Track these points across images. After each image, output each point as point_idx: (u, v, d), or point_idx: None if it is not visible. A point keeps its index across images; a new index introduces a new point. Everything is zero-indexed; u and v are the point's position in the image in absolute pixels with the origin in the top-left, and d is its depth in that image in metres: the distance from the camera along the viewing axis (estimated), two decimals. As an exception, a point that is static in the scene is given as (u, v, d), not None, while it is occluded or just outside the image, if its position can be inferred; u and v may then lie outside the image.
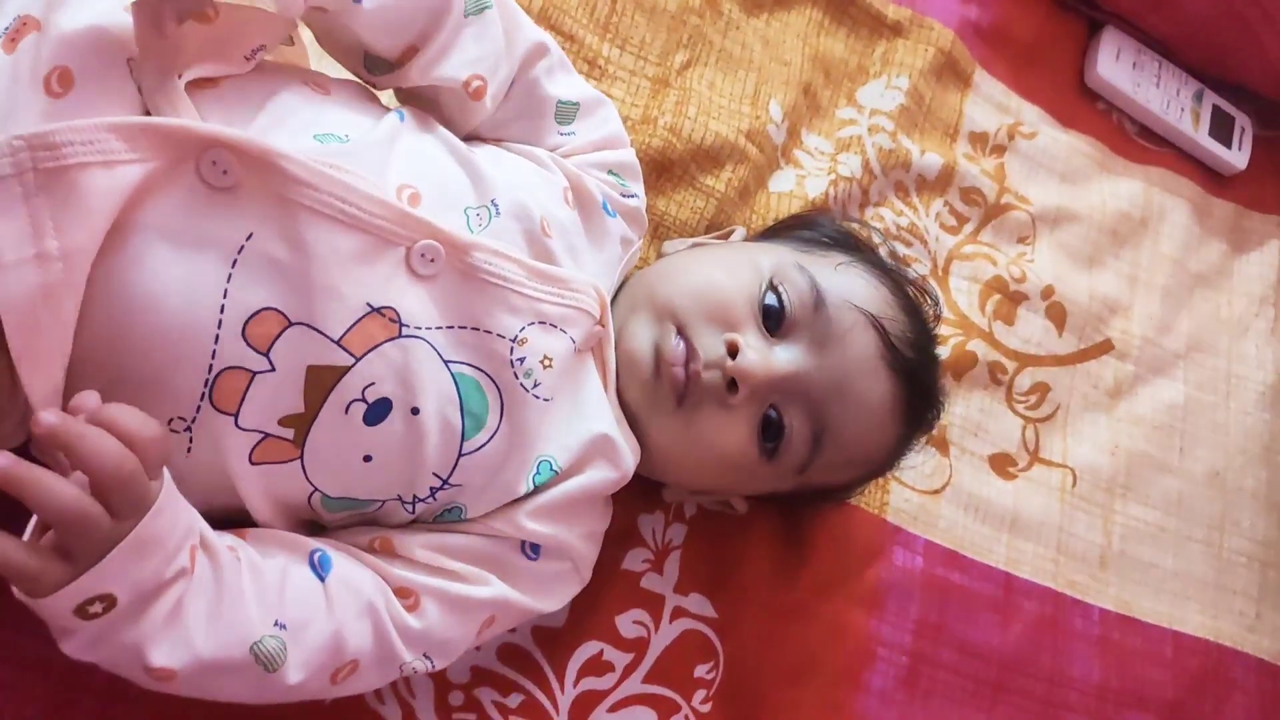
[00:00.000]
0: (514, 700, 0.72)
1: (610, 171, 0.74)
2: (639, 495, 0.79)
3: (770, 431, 0.68)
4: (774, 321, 0.69)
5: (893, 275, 0.78)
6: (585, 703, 0.74)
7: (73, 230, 0.49)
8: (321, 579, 0.58)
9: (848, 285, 0.72)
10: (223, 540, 0.55)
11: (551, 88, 0.72)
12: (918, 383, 0.73)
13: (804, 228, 0.84)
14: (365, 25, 0.61)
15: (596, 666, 0.75)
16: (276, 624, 0.55)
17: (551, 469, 0.64)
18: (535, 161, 0.70)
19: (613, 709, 0.74)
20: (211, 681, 0.53)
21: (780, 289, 0.69)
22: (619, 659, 0.75)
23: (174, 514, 0.50)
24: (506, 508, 0.64)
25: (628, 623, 0.77)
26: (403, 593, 0.61)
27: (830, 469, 0.73)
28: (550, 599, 0.68)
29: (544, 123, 0.72)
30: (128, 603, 0.48)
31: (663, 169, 0.85)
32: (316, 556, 0.59)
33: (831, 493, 0.81)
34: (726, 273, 0.71)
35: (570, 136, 0.73)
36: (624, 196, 0.74)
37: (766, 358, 0.67)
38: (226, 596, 0.53)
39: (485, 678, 0.72)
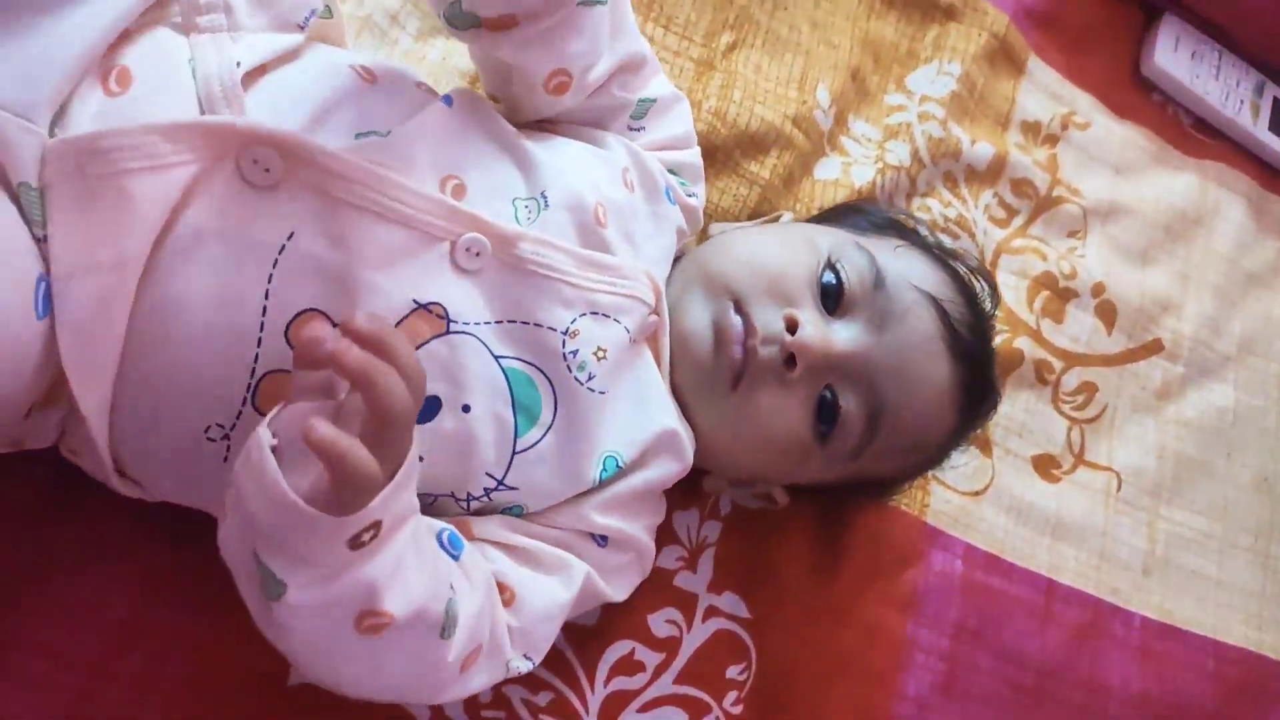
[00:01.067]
0: (543, 699, 0.70)
1: (671, 171, 0.72)
2: (673, 491, 0.77)
3: (825, 413, 0.66)
4: (832, 300, 0.67)
5: (949, 261, 0.76)
6: (615, 702, 0.72)
7: (125, 237, 0.48)
8: (455, 558, 0.56)
9: (907, 267, 0.70)
10: None
11: (634, 93, 0.70)
12: (977, 368, 0.71)
13: (853, 214, 0.82)
14: None
15: (628, 666, 0.73)
16: (450, 585, 0.53)
17: (617, 465, 0.63)
18: (594, 143, 0.68)
19: (643, 709, 0.73)
20: (403, 641, 0.50)
21: (839, 267, 0.67)
22: (650, 658, 0.74)
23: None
24: (572, 502, 0.63)
25: (660, 622, 0.75)
26: (499, 586, 0.59)
27: (883, 456, 0.71)
28: (618, 588, 0.67)
29: (617, 119, 0.71)
30: (385, 532, 0.46)
31: (706, 154, 0.82)
32: (445, 536, 0.57)
33: (878, 486, 0.79)
34: (784, 249, 0.69)
35: (639, 133, 0.71)
36: (687, 195, 0.73)
37: (826, 334, 0.65)
38: (425, 545, 0.51)
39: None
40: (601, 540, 0.65)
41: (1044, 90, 1.05)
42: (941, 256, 0.75)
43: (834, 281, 0.67)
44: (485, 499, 0.60)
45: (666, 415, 0.66)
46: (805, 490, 0.78)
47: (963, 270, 0.76)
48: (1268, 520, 1.01)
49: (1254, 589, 0.98)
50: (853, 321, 0.67)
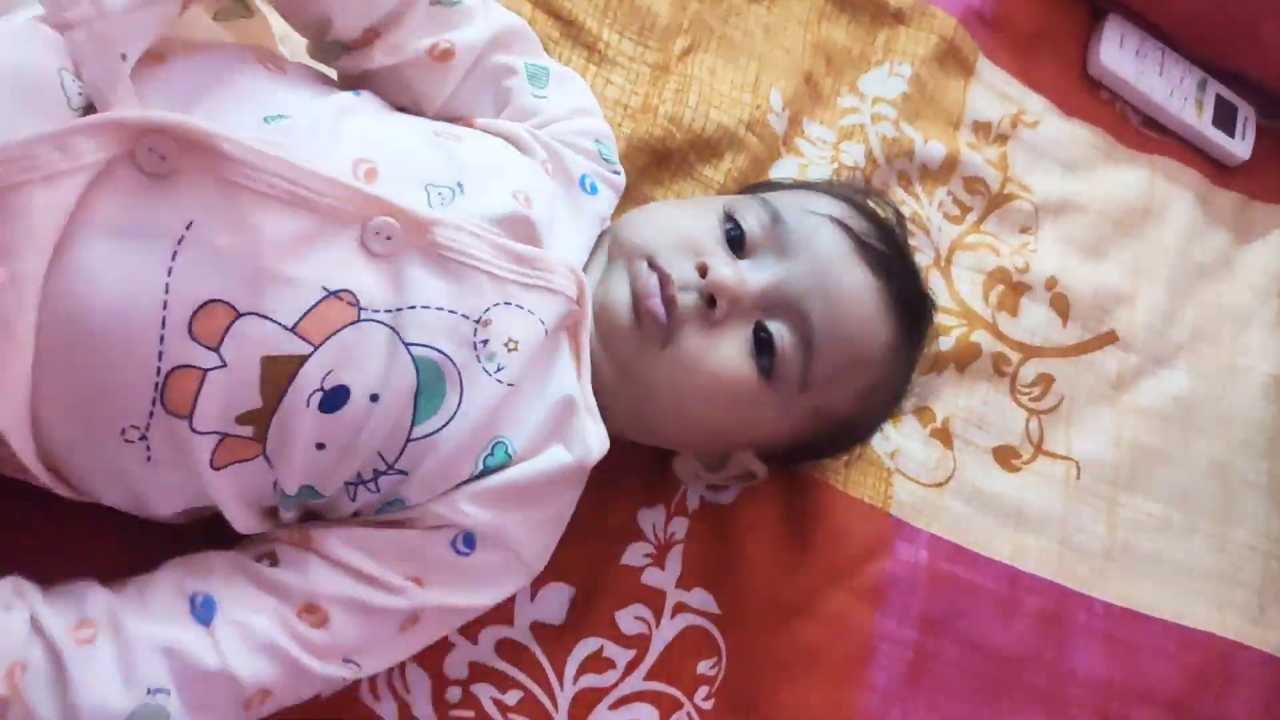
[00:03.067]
0: (513, 697, 0.70)
1: (596, 140, 0.73)
2: (640, 489, 0.78)
3: (762, 349, 0.67)
4: (738, 247, 0.69)
5: (846, 193, 0.77)
6: (586, 700, 0.72)
7: (19, 254, 0.47)
8: (206, 624, 0.55)
9: (802, 199, 0.73)
10: (71, 615, 0.52)
11: (519, 56, 0.72)
12: (893, 273, 0.71)
13: (764, 186, 0.84)
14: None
15: (597, 663, 0.73)
16: (150, 691, 0.52)
17: (507, 452, 0.61)
18: (512, 141, 0.68)
19: (614, 706, 0.73)
20: None
21: (736, 215, 0.70)
22: (620, 655, 0.74)
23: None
24: (448, 492, 0.60)
25: (629, 618, 0.75)
26: (309, 609, 0.57)
27: (834, 384, 0.70)
28: (485, 593, 0.64)
29: (516, 83, 0.71)
30: None
31: (662, 158, 0.84)
32: (199, 601, 0.56)
33: (848, 431, 0.78)
34: (687, 210, 0.73)
35: (544, 100, 0.72)
36: (611, 172, 0.74)
37: (739, 272, 0.66)
38: (73, 688, 0.50)
39: (483, 674, 0.70)
40: (467, 544, 0.61)
41: (993, 90, 1.08)
42: (839, 191, 0.77)
43: (735, 229, 0.69)
44: (373, 485, 0.58)
45: (568, 388, 0.64)
46: (780, 456, 0.77)
47: (861, 197, 0.78)
48: (1224, 504, 1.03)
49: (1213, 572, 1.00)
50: (761, 259, 0.69)
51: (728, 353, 0.66)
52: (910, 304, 0.74)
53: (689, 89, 0.86)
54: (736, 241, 0.69)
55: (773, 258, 0.68)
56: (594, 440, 0.64)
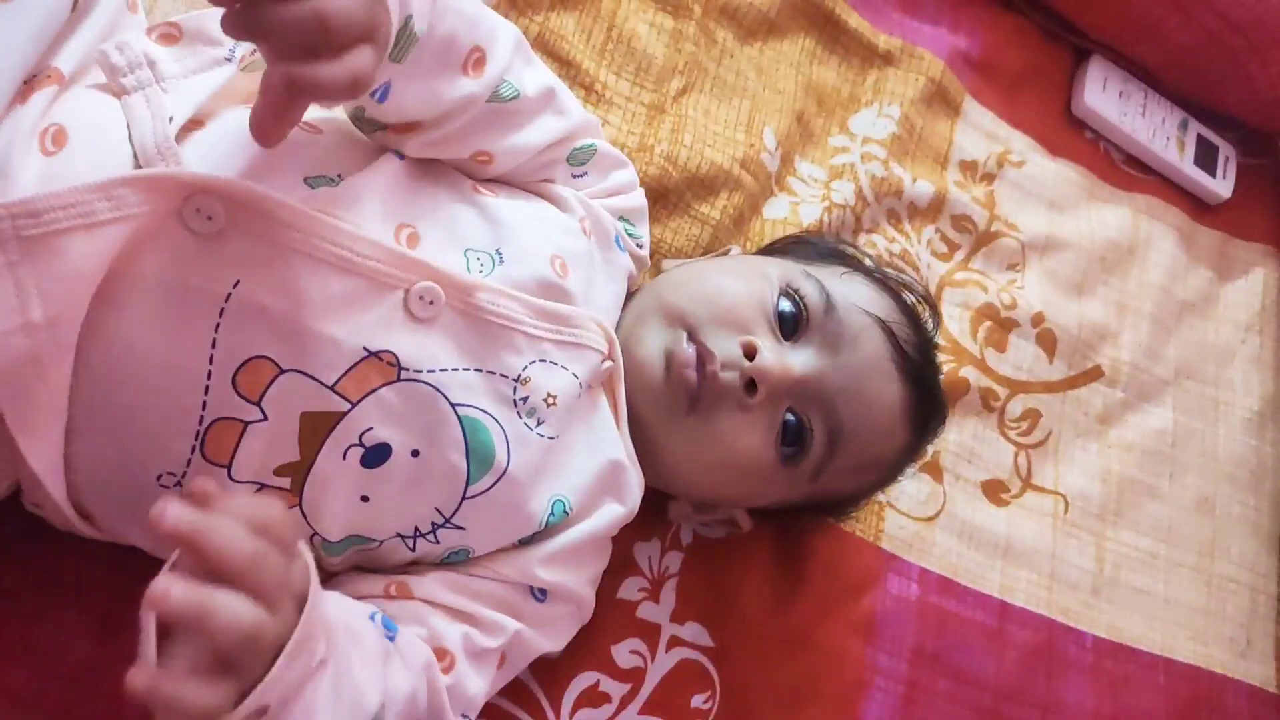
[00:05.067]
0: (509, 732, 0.71)
1: (621, 218, 0.75)
2: (636, 523, 0.78)
3: (790, 436, 0.68)
4: (789, 326, 0.69)
5: (891, 285, 0.78)
6: (582, 734, 0.73)
7: (58, 297, 0.47)
8: (391, 638, 0.57)
9: (853, 291, 0.73)
10: None
11: (569, 149, 0.71)
12: (925, 387, 0.73)
13: (799, 245, 0.85)
14: (378, 110, 0.59)
15: (593, 697, 0.74)
16: (383, 692, 0.53)
17: (565, 509, 0.64)
18: (551, 200, 0.69)
19: (610, 740, 0.74)
20: None
21: (794, 294, 0.70)
22: (616, 689, 0.75)
23: (319, 601, 0.47)
24: (516, 553, 0.63)
25: (624, 652, 0.76)
26: (438, 653, 0.60)
27: (842, 475, 0.72)
28: (555, 639, 0.68)
29: (555, 170, 0.71)
30: (277, 708, 0.44)
31: (659, 197, 0.85)
32: (378, 619, 0.57)
33: (836, 504, 0.80)
34: (737, 279, 0.71)
35: (583, 179, 0.73)
36: (636, 245, 0.75)
37: (783, 359, 0.67)
38: (344, 675, 0.50)
39: (481, 709, 0.70)
40: (541, 594, 0.65)
41: (980, 130, 1.10)
42: (884, 281, 0.78)
43: (791, 309, 0.69)
44: (432, 536, 0.60)
45: (615, 449, 0.67)
46: (766, 512, 0.79)
47: (905, 294, 0.79)
48: (1210, 539, 1.04)
49: (1199, 606, 1.01)
50: (807, 345, 0.69)
51: (755, 437, 0.67)
52: (931, 413, 0.76)
53: (684, 128, 0.88)
54: (789, 319, 0.69)
55: (818, 346, 0.69)
56: (637, 487, 0.68)
